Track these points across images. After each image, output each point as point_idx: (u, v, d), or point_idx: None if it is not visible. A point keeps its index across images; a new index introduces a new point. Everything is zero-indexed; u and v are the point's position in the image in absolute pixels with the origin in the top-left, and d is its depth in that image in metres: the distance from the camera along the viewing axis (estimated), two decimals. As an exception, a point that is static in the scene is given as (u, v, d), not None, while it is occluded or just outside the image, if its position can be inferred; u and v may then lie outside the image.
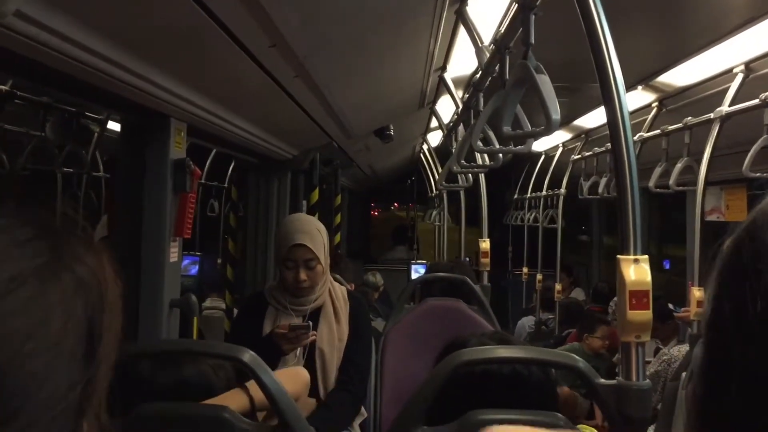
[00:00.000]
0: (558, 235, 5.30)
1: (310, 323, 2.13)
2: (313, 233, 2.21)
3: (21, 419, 0.42)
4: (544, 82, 1.41)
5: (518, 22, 1.57)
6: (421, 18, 2.12)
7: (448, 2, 1.98)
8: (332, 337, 2.21)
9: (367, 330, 2.37)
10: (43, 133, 3.03)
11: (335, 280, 2.41)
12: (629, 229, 1.23)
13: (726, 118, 2.46)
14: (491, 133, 2.09)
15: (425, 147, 6.64)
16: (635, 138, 3.12)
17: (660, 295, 3.80)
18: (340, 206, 5.28)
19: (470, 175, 3.54)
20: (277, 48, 1.72)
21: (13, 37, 1.13)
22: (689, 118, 2.81)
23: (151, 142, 1.98)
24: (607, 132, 1.28)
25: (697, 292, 2.62)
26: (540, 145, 5.54)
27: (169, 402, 1.20)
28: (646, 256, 1.23)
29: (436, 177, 6.30)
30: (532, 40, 1.50)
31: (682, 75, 2.76)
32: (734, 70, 2.41)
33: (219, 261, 5.19)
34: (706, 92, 2.77)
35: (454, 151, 3.05)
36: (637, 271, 1.22)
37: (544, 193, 5.77)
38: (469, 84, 3.18)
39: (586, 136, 4.66)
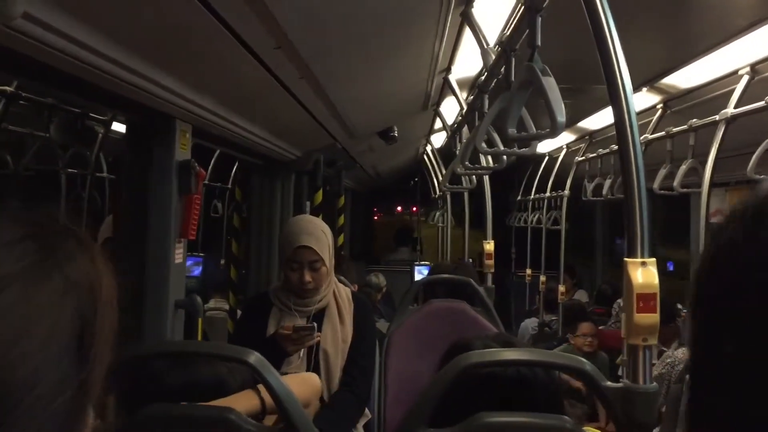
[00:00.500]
0: (562, 236, 5.29)
1: (315, 324, 2.13)
2: (318, 235, 2.20)
3: (12, 422, 0.42)
4: (550, 84, 1.40)
5: (524, 23, 1.57)
6: (427, 19, 2.12)
7: (453, 4, 1.98)
8: (336, 338, 2.21)
9: (372, 331, 2.36)
10: (48, 134, 3.03)
11: (339, 281, 2.41)
12: (636, 231, 1.23)
13: (731, 120, 2.46)
14: (495, 135, 2.09)
15: (429, 148, 6.64)
16: (640, 139, 3.11)
17: (662, 297, 3.79)
18: (344, 207, 5.28)
19: (474, 176, 3.54)
20: (282, 49, 1.72)
21: (19, 39, 1.13)
22: (694, 119, 2.80)
23: (156, 144, 1.98)
24: (612, 133, 1.28)
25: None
26: (544, 146, 5.54)
27: (177, 402, 1.20)
28: (654, 259, 1.23)
29: (440, 178, 6.29)
30: (539, 43, 1.50)
31: (687, 77, 2.75)
32: (739, 72, 2.40)
33: (222, 262, 5.19)
34: (711, 94, 2.77)
35: (458, 152, 3.05)
36: (644, 274, 1.22)
37: (547, 194, 5.76)
38: (474, 86, 3.18)
39: (590, 138, 4.66)
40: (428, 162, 7.17)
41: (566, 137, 5.04)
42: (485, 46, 2.17)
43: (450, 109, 4.03)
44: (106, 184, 3.86)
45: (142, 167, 1.98)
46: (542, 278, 5.67)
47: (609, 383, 1.20)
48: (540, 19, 1.51)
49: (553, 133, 1.42)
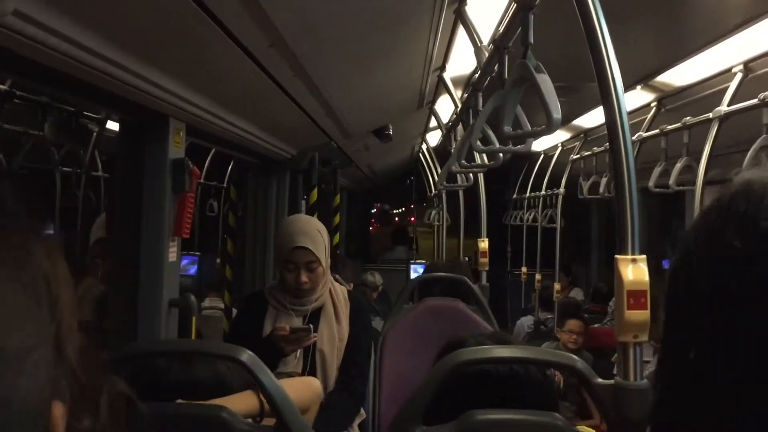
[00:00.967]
0: (557, 234, 5.30)
1: (311, 326, 2.13)
2: (314, 235, 2.20)
3: None
4: (544, 81, 1.41)
5: (517, 21, 1.57)
6: (420, 17, 2.12)
7: (447, 2, 1.98)
8: (333, 337, 2.21)
9: (368, 330, 2.37)
10: (42, 133, 3.03)
11: (335, 280, 2.41)
12: (627, 229, 1.23)
13: (725, 118, 2.46)
14: (491, 133, 2.09)
15: (424, 147, 6.64)
16: (634, 138, 3.11)
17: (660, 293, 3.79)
18: (339, 206, 5.27)
19: (470, 174, 3.54)
20: (275, 47, 1.71)
21: (11, 37, 1.12)
22: (688, 117, 2.81)
23: (149, 142, 1.98)
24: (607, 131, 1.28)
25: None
26: (539, 144, 5.54)
27: (176, 400, 1.20)
28: (644, 256, 1.23)
29: (435, 177, 6.29)
30: (531, 40, 1.50)
31: (681, 75, 2.76)
32: (733, 70, 2.41)
33: (218, 261, 5.18)
34: (705, 92, 2.77)
35: (453, 150, 3.05)
36: (635, 270, 1.22)
37: (542, 192, 5.77)
38: (468, 84, 3.18)
39: (585, 136, 4.66)
40: (424, 160, 7.17)
41: (561, 135, 5.04)
42: (479, 44, 2.17)
43: (445, 107, 4.03)
44: (101, 182, 3.85)
45: (136, 165, 1.98)
46: (538, 276, 5.68)
47: (600, 380, 1.20)
48: (532, 16, 1.51)
49: (549, 129, 1.42)
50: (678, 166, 2.89)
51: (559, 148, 5.31)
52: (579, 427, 1.32)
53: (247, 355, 1.19)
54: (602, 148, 4.14)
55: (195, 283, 5.08)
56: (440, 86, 3.34)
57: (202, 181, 5.04)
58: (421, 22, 2.16)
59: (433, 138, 5.97)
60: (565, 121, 4.41)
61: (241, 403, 1.23)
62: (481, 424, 1.13)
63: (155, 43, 1.50)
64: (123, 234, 2.01)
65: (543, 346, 4.10)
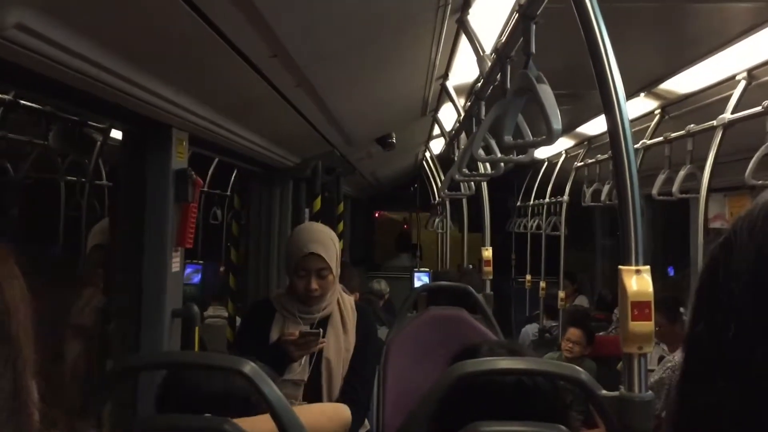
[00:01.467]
0: (561, 242, 5.28)
1: (321, 330, 2.13)
2: (327, 243, 2.21)
3: None
4: (545, 91, 1.40)
5: (519, 31, 1.57)
6: (423, 26, 2.12)
7: (449, 11, 1.98)
8: (339, 346, 2.20)
9: (374, 342, 2.36)
10: (46, 142, 3.04)
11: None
12: (630, 238, 1.22)
13: (729, 126, 2.46)
14: (493, 142, 2.09)
15: (428, 154, 6.64)
16: (638, 145, 3.11)
17: (666, 296, 3.76)
18: (343, 214, 5.27)
19: (473, 182, 3.53)
20: (278, 57, 1.72)
21: (14, 50, 1.13)
22: (692, 125, 2.80)
23: (152, 152, 1.98)
24: (610, 140, 1.28)
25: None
26: (542, 152, 5.53)
27: (203, 413, 1.20)
28: (648, 267, 1.22)
29: (439, 184, 6.29)
30: (533, 50, 1.50)
31: (684, 82, 2.76)
32: (737, 78, 2.41)
33: (222, 269, 5.18)
34: (709, 99, 2.77)
35: (455, 159, 3.04)
36: (638, 281, 1.21)
37: (546, 200, 5.75)
38: (471, 92, 3.18)
39: (588, 143, 4.66)
40: (427, 168, 7.17)
41: (565, 143, 5.04)
42: (481, 53, 2.17)
43: (448, 115, 4.02)
44: (105, 191, 3.86)
45: (139, 176, 1.98)
46: (542, 284, 5.66)
47: (605, 392, 1.19)
48: (534, 26, 1.51)
49: (549, 140, 1.42)
50: (682, 173, 2.88)
51: (563, 156, 5.30)
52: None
53: (249, 367, 1.19)
54: (606, 156, 4.13)
55: (198, 291, 5.08)
56: (443, 94, 3.34)
57: (205, 189, 5.04)
58: (424, 31, 2.16)
59: (437, 145, 5.97)
60: (569, 129, 4.41)
61: (262, 425, 1.22)
62: (485, 436, 1.12)
63: (158, 54, 1.51)
64: (126, 244, 2.01)
65: (545, 356, 4.07)
